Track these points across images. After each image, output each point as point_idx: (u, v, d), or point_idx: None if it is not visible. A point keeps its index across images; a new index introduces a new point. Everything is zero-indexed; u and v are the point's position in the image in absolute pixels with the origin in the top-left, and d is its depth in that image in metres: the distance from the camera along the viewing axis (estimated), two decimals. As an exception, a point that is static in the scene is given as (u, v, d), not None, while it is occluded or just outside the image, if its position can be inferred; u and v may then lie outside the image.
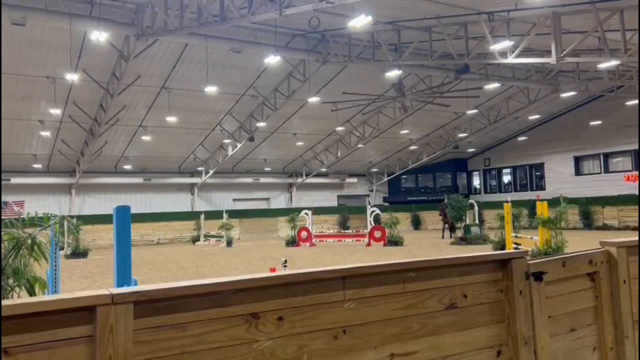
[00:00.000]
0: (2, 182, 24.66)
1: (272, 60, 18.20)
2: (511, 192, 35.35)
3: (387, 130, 29.54)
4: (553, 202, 16.36)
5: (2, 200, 24.98)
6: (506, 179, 38.32)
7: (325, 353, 2.10)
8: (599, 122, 30.24)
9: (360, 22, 14.37)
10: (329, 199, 38.43)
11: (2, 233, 2.93)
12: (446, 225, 25.35)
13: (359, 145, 31.23)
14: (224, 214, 27.22)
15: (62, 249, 20.44)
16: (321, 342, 2.10)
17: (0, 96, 17.18)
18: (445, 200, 26.04)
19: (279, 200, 36.84)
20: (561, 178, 33.03)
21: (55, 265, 7.64)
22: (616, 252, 3.10)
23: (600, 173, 31.84)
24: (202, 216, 28.97)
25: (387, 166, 38.46)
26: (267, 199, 36.63)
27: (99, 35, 15.02)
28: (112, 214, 4.27)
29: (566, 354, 2.82)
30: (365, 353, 2.19)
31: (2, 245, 2.90)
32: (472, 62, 18.49)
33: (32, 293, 3.07)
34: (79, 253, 21.59)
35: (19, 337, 1.56)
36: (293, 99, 22.97)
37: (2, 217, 3.31)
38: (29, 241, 2.93)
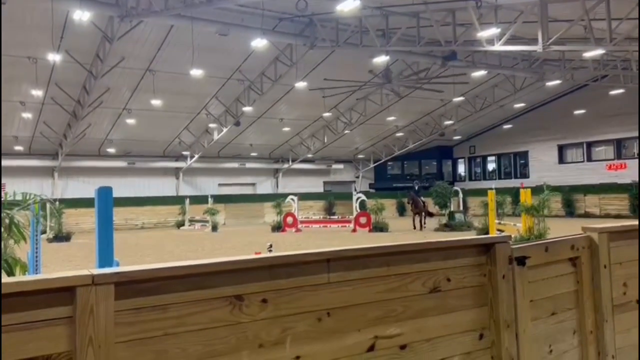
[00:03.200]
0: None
1: (259, 43, 18.01)
2: (496, 179, 35.62)
3: (374, 116, 29.51)
4: (536, 190, 16.55)
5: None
6: (491, 166, 38.65)
7: (309, 335, 2.10)
8: (582, 111, 30.54)
9: (348, 6, 14.29)
10: (315, 185, 38.41)
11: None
12: (417, 216, 23.04)
13: (346, 132, 31.19)
14: (209, 199, 27.06)
15: (45, 232, 20.18)
16: (305, 324, 2.10)
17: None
18: (416, 188, 24.64)
19: (265, 186, 36.75)
20: (545, 166, 33.37)
21: (37, 248, 7.55)
22: (597, 238, 3.14)
23: (583, 161, 32.24)
24: (187, 201, 28.77)
25: (374, 153, 38.53)
26: (253, 184, 36.52)
27: (82, 15, 14.72)
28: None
29: (547, 338, 2.86)
30: (348, 335, 2.20)
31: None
32: (460, 49, 18.48)
33: (11, 275, 3.02)
34: (61, 237, 21.31)
35: (-3, 318, 1.54)
36: (280, 84, 22.78)
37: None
38: (7, 221, 2.88)
